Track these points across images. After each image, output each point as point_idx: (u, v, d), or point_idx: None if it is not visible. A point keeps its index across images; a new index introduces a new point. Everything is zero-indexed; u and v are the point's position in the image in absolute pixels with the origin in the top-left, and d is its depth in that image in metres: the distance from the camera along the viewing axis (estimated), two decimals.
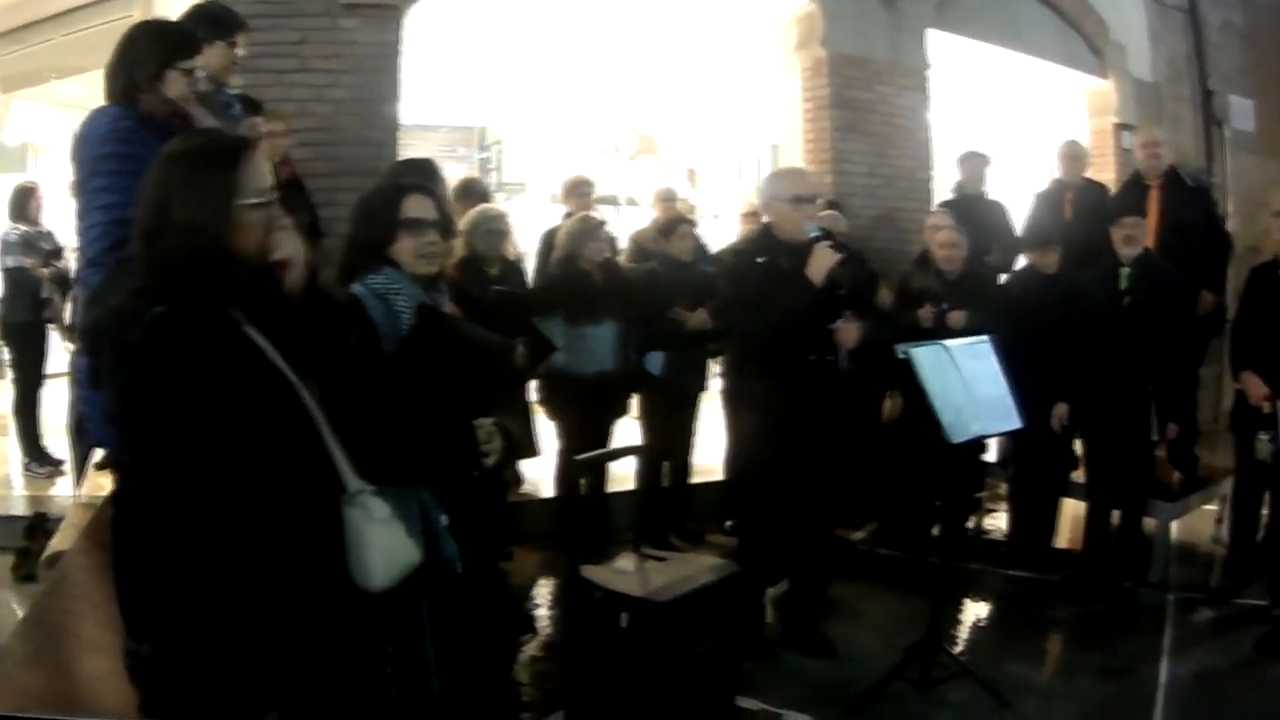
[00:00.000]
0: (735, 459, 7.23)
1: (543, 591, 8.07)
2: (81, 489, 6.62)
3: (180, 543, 2.89)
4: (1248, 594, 7.85)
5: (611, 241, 8.92)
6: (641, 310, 8.50)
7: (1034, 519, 8.92)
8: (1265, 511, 7.89)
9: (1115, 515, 8.19)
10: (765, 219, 6.86)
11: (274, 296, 3.18)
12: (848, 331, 6.47)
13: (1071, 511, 9.20)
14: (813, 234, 6.35)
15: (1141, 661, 6.90)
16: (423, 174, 6.33)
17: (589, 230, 8.41)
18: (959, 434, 5.99)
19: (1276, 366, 7.22)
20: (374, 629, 3.46)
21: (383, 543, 3.24)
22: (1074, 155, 10.75)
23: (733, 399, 7.16)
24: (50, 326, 10.26)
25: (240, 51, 6.37)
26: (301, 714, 3.13)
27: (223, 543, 2.87)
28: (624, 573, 5.59)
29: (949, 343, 6.34)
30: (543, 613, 7.65)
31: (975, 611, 7.96)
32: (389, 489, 3.43)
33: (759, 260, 6.56)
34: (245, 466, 2.90)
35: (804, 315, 6.30)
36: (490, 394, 4.23)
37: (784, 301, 6.29)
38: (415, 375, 3.85)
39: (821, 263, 6.23)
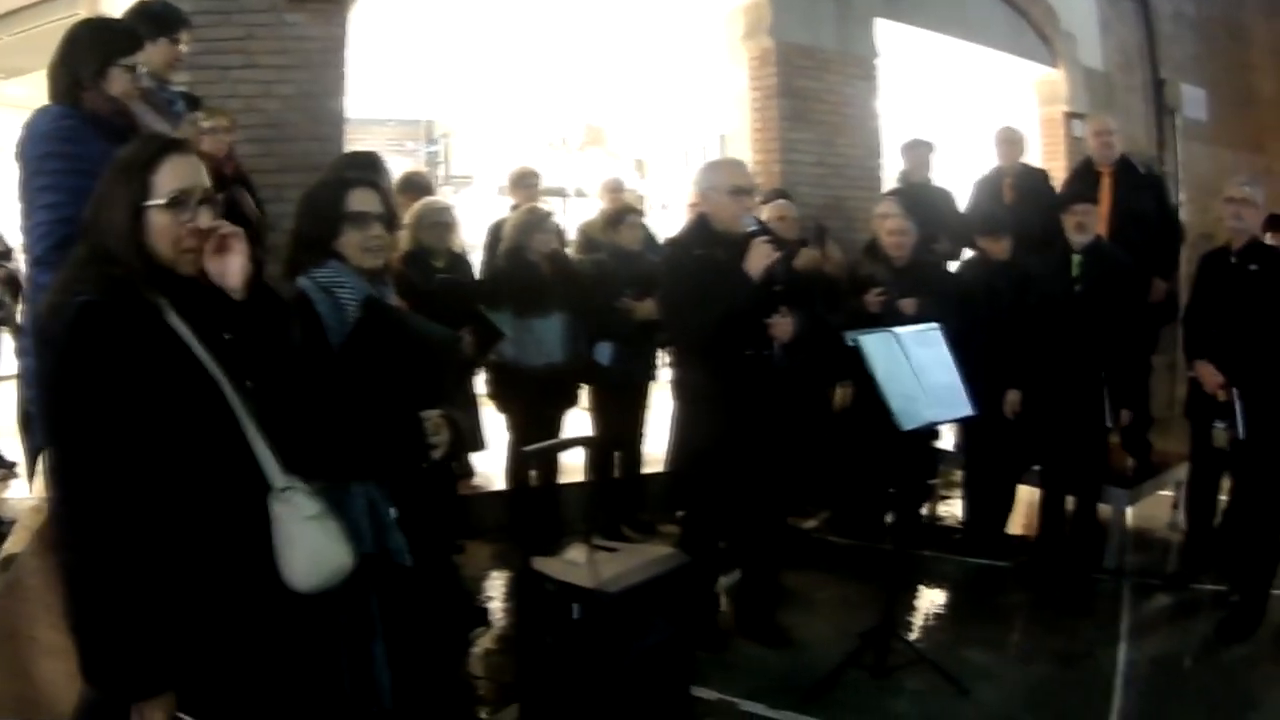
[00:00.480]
0: (678, 449, 7.24)
1: (495, 584, 8.07)
2: (33, 491, 6.62)
3: (87, 532, 2.92)
4: (1205, 579, 7.98)
5: (559, 233, 8.95)
6: (589, 301, 8.56)
7: (989, 506, 9.01)
8: (1222, 498, 7.98)
9: (1070, 502, 8.26)
10: (701, 210, 6.91)
11: (210, 291, 3.25)
12: (782, 326, 6.56)
13: (1026, 498, 9.29)
14: (750, 228, 6.42)
15: (1099, 646, 6.99)
16: (367, 168, 6.37)
17: (535, 222, 8.46)
18: (909, 421, 6.05)
19: (1230, 354, 7.30)
20: (322, 624, 3.50)
21: (308, 542, 3.27)
22: (1010, 140, 10.90)
23: (676, 390, 7.22)
24: (3, 327, 10.24)
25: (184, 48, 6.38)
26: (241, 706, 3.17)
27: (129, 534, 2.91)
28: (575, 564, 5.59)
29: (899, 330, 6.40)
30: (496, 605, 7.66)
31: (931, 598, 8.04)
32: (332, 484, 3.52)
33: (696, 253, 6.61)
34: (157, 457, 2.97)
35: (742, 310, 6.38)
36: (436, 386, 4.29)
37: (723, 296, 6.35)
38: (361, 369, 3.90)
39: (759, 258, 6.32)
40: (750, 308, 6.38)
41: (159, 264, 3.13)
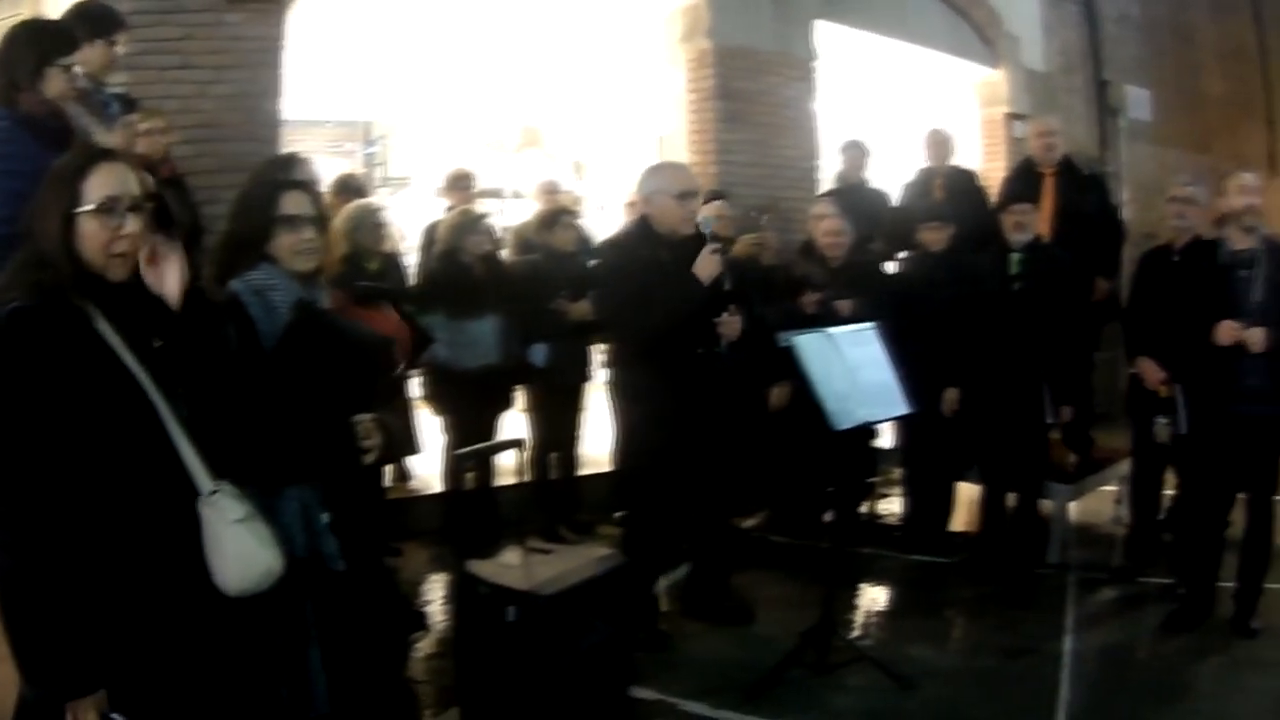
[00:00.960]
0: (625, 450, 7.31)
1: (433, 587, 8.10)
2: None
3: (15, 536, 2.99)
4: (1151, 573, 8.13)
5: (493, 234, 9.00)
6: (523, 303, 8.62)
7: (929, 503, 9.17)
8: (1167, 492, 8.20)
9: (1011, 498, 8.36)
10: (643, 212, 7.03)
11: (142, 298, 3.32)
12: (731, 325, 6.74)
13: (967, 495, 9.42)
14: (706, 231, 6.57)
15: (1044, 640, 7.10)
16: (295, 170, 6.45)
17: (469, 224, 8.53)
18: (844, 421, 6.13)
19: (1171, 351, 7.42)
20: (255, 629, 3.55)
21: (237, 545, 3.34)
22: (940, 142, 11.11)
23: (621, 391, 7.26)
24: None
25: (120, 50, 6.41)
26: (175, 707, 3.24)
27: (56, 537, 3.00)
28: (510, 566, 5.65)
29: (833, 330, 6.49)
30: (434, 609, 7.69)
31: (873, 596, 8.14)
32: (265, 488, 3.60)
33: (642, 254, 6.74)
34: (82, 463, 3.06)
35: (692, 312, 6.54)
36: (369, 390, 4.34)
37: (672, 298, 6.51)
38: (293, 372, 3.94)
39: (709, 266, 6.51)
40: (701, 308, 6.56)
41: (89, 270, 3.21)
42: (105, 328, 3.19)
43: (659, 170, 7.17)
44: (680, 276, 6.55)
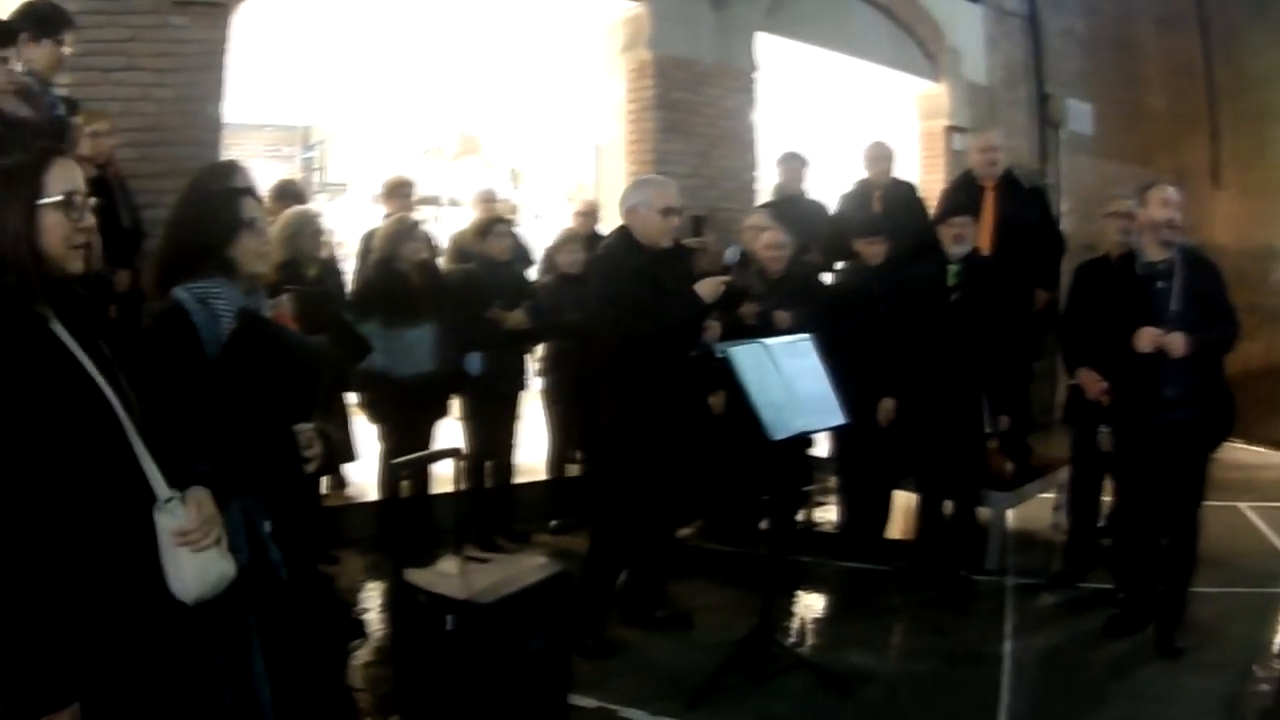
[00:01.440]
0: (613, 455, 7.36)
1: (371, 596, 8.15)
2: None
3: None
4: (1091, 579, 8.35)
5: (429, 242, 9.06)
6: (459, 311, 8.70)
7: (865, 511, 9.31)
8: (1106, 499, 8.36)
9: (949, 505, 8.54)
10: (625, 223, 7.23)
11: (89, 300, 3.38)
12: (713, 330, 7.13)
13: (904, 503, 9.59)
14: (732, 262, 6.97)
15: (983, 646, 7.28)
16: (240, 177, 6.53)
17: (404, 232, 8.60)
18: (780, 431, 6.25)
19: (1110, 360, 7.49)
20: (201, 638, 3.61)
21: (196, 555, 3.36)
22: (882, 156, 11.19)
23: (605, 394, 7.34)
24: None
25: (68, 50, 6.47)
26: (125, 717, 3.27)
27: (24, 548, 2.98)
28: (447, 575, 5.71)
29: (769, 341, 6.61)
30: (372, 617, 7.73)
31: (810, 603, 8.27)
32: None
33: (633, 263, 6.97)
34: (42, 469, 3.05)
35: (692, 323, 6.92)
36: (310, 398, 4.41)
37: (671, 309, 6.84)
38: (237, 381, 4.01)
39: (712, 290, 6.86)
40: (698, 318, 6.93)
41: (47, 268, 3.20)
42: (62, 332, 3.20)
43: (646, 185, 7.35)
44: (666, 287, 6.93)
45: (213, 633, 3.73)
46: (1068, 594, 8.29)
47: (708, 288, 6.86)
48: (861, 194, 10.99)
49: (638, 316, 6.73)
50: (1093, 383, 7.69)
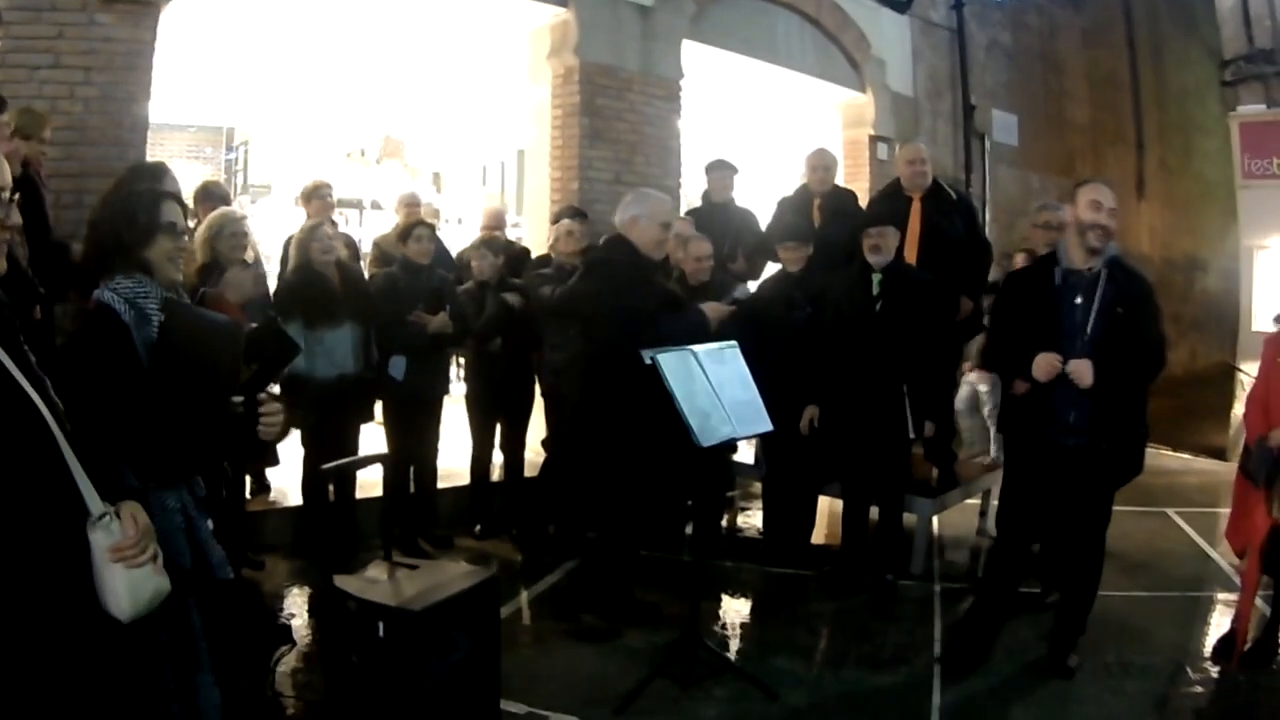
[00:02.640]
0: (613, 449, 7.42)
1: (296, 601, 8.10)
2: None
3: None
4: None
5: (351, 243, 9.08)
6: (380, 315, 8.78)
7: (789, 516, 9.34)
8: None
9: (874, 511, 8.62)
10: (625, 233, 7.50)
11: (11, 305, 3.33)
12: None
13: (828, 508, 9.72)
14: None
15: (912, 650, 7.38)
16: (161, 179, 6.56)
17: (308, 235, 8.63)
18: (708, 438, 6.33)
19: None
20: (144, 649, 3.61)
21: (127, 572, 3.26)
22: (824, 165, 11.13)
23: (599, 394, 7.44)
24: None
25: None
26: None
27: None
28: (376, 582, 5.72)
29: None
30: (298, 623, 7.67)
31: (736, 608, 8.31)
32: (149, 493, 3.62)
33: (632, 273, 7.33)
34: None
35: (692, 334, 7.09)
36: (235, 374, 4.48)
37: (682, 325, 7.21)
38: (174, 369, 4.08)
39: (718, 314, 7.44)
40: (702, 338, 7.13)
41: None
42: None
43: (646, 198, 7.64)
44: (661, 294, 7.58)
45: (157, 640, 3.74)
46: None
47: (714, 312, 7.30)
48: (801, 200, 10.97)
49: (644, 328, 6.93)
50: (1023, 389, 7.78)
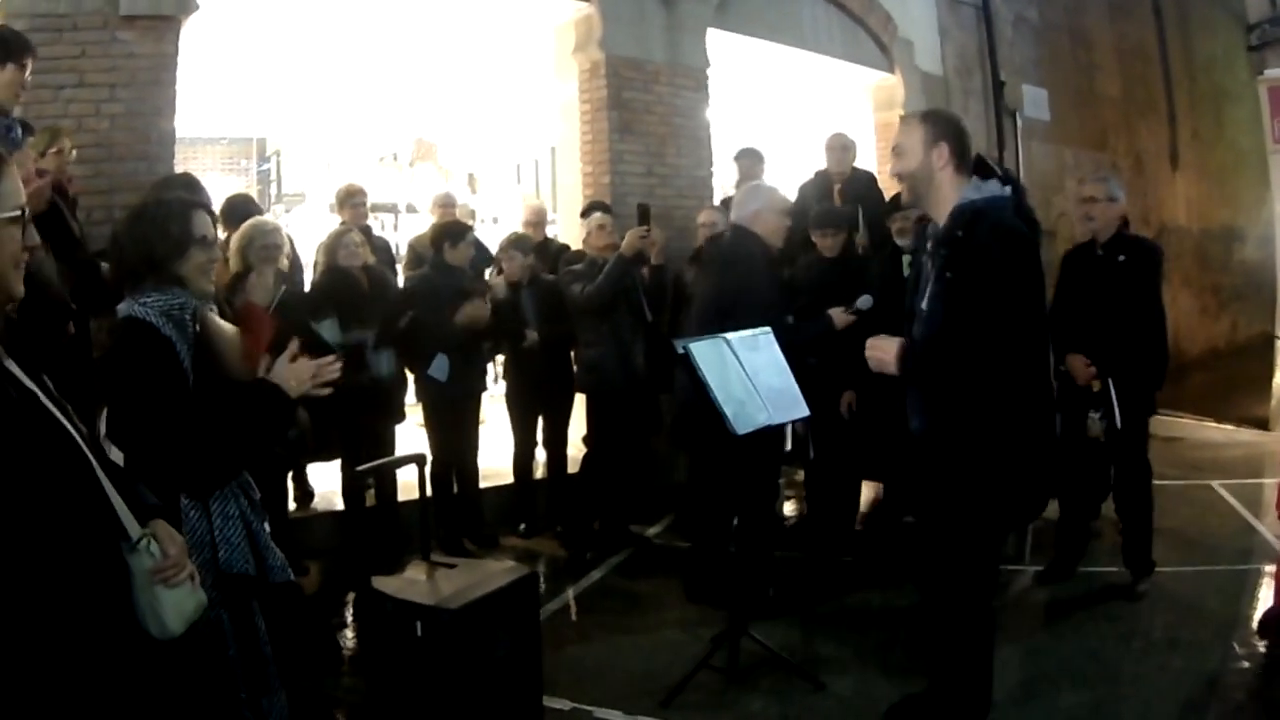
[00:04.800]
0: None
1: (340, 605, 8.10)
2: None
3: None
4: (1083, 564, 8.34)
5: (382, 248, 9.06)
6: (417, 316, 8.75)
7: (833, 504, 9.23)
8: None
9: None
10: (748, 226, 7.73)
11: (31, 329, 3.32)
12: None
13: (872, 494, 9.67)
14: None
15: None
16: (191, 190, 6.52)
17: (335, 241, 8.68)
18: (743, 425, 6.21)
19: (1098, 346, 7.65)
20: (216, 663, 3.65)
21: (170, 593, 3.21)
22: (842, 146, 11.15)
23: None
24: None
25: (29, 75, 6.45)
26: None
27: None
28: (415, 582, 5.69)
29: (729, 335, 6.53)
30: (341, 625, 7.70)
31: (781, 597, 8.08)
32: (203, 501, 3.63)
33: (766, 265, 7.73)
34: (20, 526, 2.80)
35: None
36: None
37: (811, 330, 7.69)
38: (210, 376, 4.04)
39: (844, 321, 7.54)
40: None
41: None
42: (15, 369, 2.97)
43: (762, 190, 7.97)
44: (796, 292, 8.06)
45: (229, 657, 3.79)
46: (1059, 580, 8.21)
47: (841, 320, 7.46)
48: (821, 185, 10.92)
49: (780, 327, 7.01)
50: (1080, 368, 7.76)
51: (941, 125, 5.45)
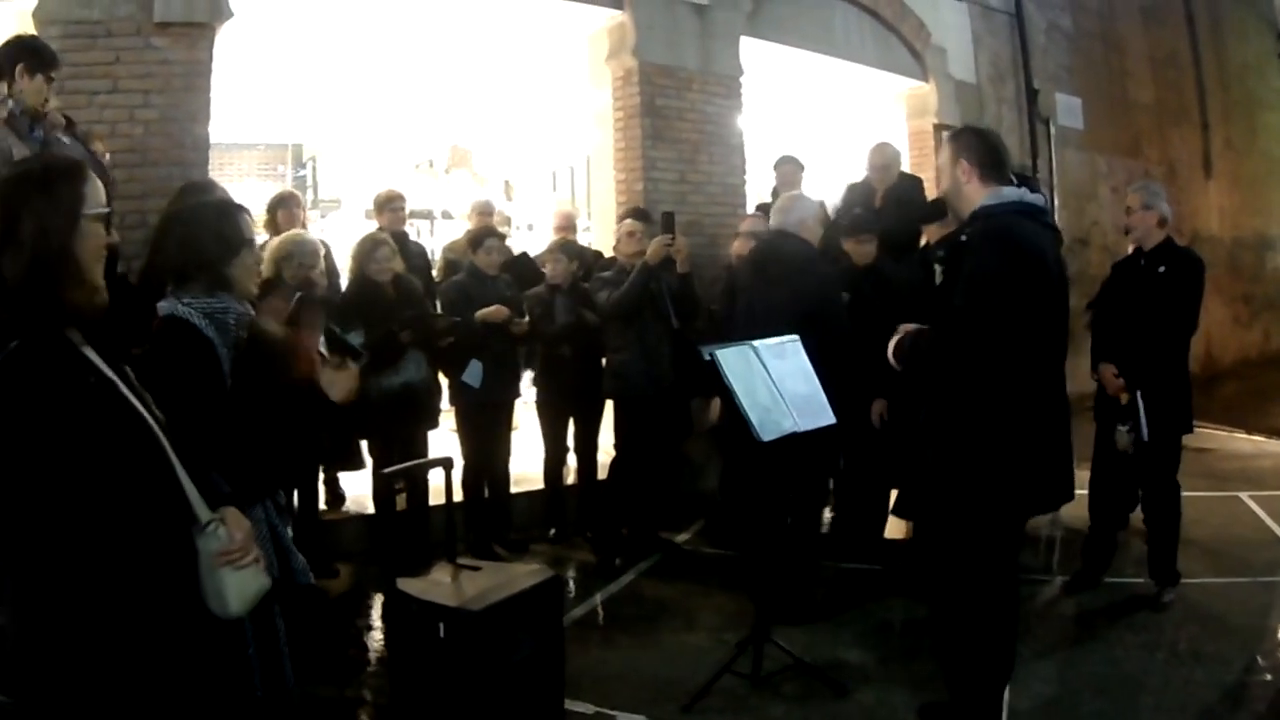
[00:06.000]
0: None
1: (366, 606, 8.15)
2: None
3: (38, 586, 2.96)
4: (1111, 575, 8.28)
5: (419, 254, 9.08)
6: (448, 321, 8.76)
7: (862, 511, 9.23)
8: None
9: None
10: (797, 234, 7.93)
11: (109, 320, 3.29)
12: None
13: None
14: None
15: None
16: (213, 193, 6.52)
17: (368, 249, 8.62)
18: (769, 432, 6.19)
19: (1132, 357, 7.59)
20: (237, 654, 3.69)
21: (236, 574, 3.38)
22: (884, 164, 10.73)
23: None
24: None
25: (52, 85, 6.47)
26: None
27: (82, 585, 2.95)
28: (439, 584, 5.71)
29: (756, 343, 6.54)
30: (368, 626, 7.75)
31: (807, 604, 7.98)
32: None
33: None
34: (101, 509, 2.99)
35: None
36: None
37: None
38: (255, 387, 4.05)
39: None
40: None
41: (85, 276, 3.12)
42: (94, 356, 3.13)
43: (804, 199, 8.22)
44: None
45: (247, 655, 3.84)
46: (1055, 588, 8.25)
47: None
48: (867, 191, 10.69)
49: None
50: (1111, 380, 7.73)
51: (963, 141, 5.62)
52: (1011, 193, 5.38)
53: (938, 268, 7.87)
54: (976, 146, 5.51)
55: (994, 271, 5.10)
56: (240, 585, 3.39)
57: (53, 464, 2.92)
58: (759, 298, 7.83)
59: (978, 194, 5.44)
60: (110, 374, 3.14)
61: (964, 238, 5.40)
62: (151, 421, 3.21)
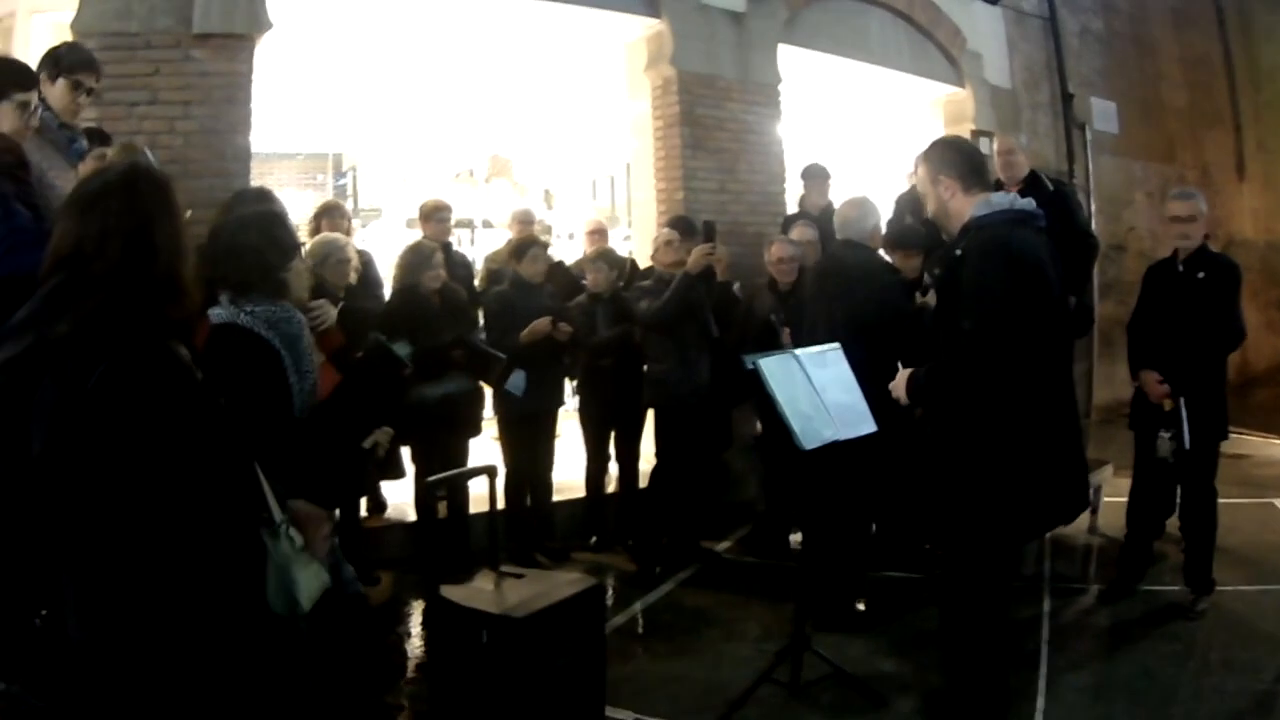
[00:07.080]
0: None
1: (407, 614, 8.20)
2: None
3: (119, 590, 2.89)
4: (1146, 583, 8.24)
5: (462, 263, 9.09)
6: (492, 332, 8.83)
7: (904, 519, 9.10)
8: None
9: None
10: (864, 241, 8.03)
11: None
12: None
13: None
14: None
15: (1019, 651, 7.05)
16: (270, 203, 6.52)
17: (421, 260, 8.59)
18: (810, 440, 6.12)
19: (1173, 364, 7.54)
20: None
21: (305, 571, 3.39)
22: None
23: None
24: None
25: (89, 91, 6.45)
26: None
27: (166, 588, 2.91)
28: (482, 591, 5.71)
29: (798, 351, 6.49)
30: (411, 635, 7.77)
31: (846, 614, 8.02)
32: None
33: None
34: (194, 505, 2.96)
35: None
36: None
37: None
38: (358, 401, 4.05)
39: None
40: None
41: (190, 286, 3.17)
42: (188, 359, 3.12)
43: (873, 207, 8.28)
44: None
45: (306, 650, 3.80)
46: (1116, 599, 8.11)
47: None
48: (914, 200, 10.59)
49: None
50: (1154, 386, 7.67)
51: (937, 156, 5.54)
52: (1001, 199, 5.34)
53: (931, 291, 7.86)
54: (953, 159, 5.43)
55: (998, 289, 4.96)
56: (307, 581, 3.39)
57: (163, 467, 2.90)
58: (837, 306, 7.72)
59: (965, 206, 5.34)
60: (201, 376, 3.14)
61: (958, 252, 5.24)
62: (240, 426, 3.25)
